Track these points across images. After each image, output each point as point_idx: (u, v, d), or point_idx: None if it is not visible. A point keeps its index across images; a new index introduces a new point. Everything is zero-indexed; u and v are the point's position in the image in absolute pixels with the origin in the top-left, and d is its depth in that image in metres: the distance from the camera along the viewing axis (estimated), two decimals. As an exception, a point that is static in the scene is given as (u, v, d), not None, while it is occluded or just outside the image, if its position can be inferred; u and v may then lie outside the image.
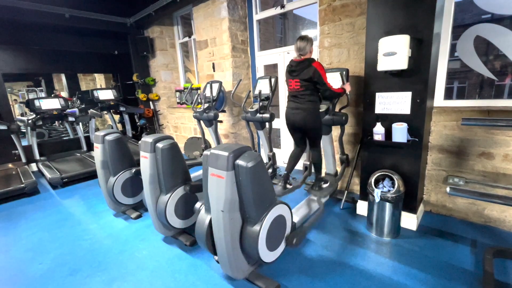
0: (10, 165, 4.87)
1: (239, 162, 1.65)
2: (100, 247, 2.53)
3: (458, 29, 2.55)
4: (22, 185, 3.88)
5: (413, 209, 2.54)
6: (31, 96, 8.64)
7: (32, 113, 4.97)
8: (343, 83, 2.77)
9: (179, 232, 2.57)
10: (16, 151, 4.96)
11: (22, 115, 8.05)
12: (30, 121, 4.81)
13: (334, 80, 2.86)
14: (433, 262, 2.08)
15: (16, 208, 3.57)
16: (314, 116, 2.63)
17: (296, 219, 2.38)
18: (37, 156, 5.00)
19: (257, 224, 1.75)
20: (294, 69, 2.57)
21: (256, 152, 1.94)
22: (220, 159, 1.67)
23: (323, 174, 3.22)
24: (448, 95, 2.70)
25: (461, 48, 2.58)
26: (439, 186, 2.74)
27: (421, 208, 2.73)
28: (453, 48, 2.60)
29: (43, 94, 8.35)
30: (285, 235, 2.01)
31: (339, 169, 3.35)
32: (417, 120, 2.36)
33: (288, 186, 2.99)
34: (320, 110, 2.87)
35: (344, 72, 2.86)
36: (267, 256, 1.86)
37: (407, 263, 2.08)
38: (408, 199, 2.49)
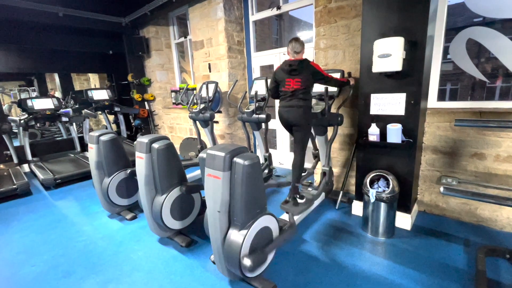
0: (1, 166, 4.80)
1: (236, 160, 1.66)
2: (95, 249, 2.50)
3: (451, 32, 2.59)
4: (14, 186, 3.81)
5: (407, 209, 2.58)
6: (23, 95, 8.50)
7: (24, 113, 4.90)
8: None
9: (175, 233, 2.56)
10: (8, 152, 4.88)
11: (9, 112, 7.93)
12: (22, 121, 4.73)
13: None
14: (427, 261, 2.11)
15: (8, 209, 3.50)
16: (305, 113, 2.65)
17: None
18: (30, 157, 4.91)
19: (244, 229, 1.72)
20: (295, 68, 2.55)
21: (252, 153, 1.94)
22: (216, 160, 1.67)
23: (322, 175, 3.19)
24: (441, 96, 2.74)
25: (453, 51, 2.62)
26: (432, 186, 2.78)
27: (415, 208, 2.77)
28: (446, 51, 2.64)
29: (35, 94, 8.23)
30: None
31: (334, 169, 3.38)
32: (411, 121, 2.40)
33: (300, 200, 2.75)
34: (317, 111, 2.88)
35: (345, 73, 2.99)
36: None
37: (401, 262, 2.11)
38: (403, 199, 2.52)
